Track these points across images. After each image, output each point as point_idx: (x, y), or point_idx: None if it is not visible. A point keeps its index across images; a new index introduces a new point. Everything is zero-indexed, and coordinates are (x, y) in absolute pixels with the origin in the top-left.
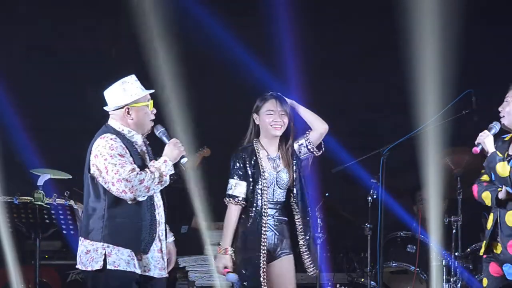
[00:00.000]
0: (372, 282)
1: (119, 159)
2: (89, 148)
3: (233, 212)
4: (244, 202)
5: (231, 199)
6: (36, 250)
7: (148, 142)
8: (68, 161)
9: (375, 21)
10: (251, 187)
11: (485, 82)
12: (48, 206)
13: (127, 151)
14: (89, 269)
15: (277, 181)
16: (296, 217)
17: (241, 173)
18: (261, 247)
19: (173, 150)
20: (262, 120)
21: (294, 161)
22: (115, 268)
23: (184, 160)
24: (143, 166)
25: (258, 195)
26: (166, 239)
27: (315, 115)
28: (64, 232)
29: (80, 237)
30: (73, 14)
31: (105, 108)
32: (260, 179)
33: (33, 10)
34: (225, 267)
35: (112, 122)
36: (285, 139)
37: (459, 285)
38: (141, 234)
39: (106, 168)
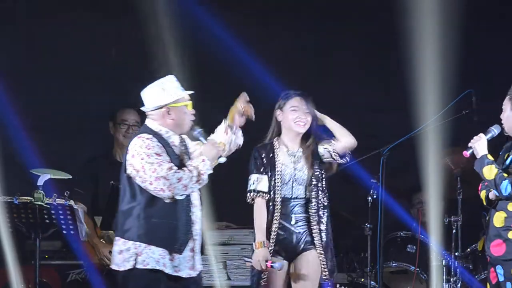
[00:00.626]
0: (372, 282)
1: (156, 158)
2: (127, 148)
3: (260, 206)
4: (268, 196)
5: (255, 194)
6: (36, 250)
7: (186, 143)
8: (68, 161)
9: (375, 21)
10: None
11: (485, 82)
12: (48, 206)
13: (164, 150)
14: (121, 269)
15: (295, 177)
16: (311, 215)
17: (261, 168)
18: (270, 242)
19: (211, 150)
20: (285, 117)
21: (316, 160)
22: (144, 267)
23: (222, 159)
24: (180, 166)
25: (272, 191)
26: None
27: (344, 129)
28: (64, 232)
29: (116, 237)
30: (73, 14)
31: (142, 108)
32: (275, 174)
33: (33, 10)
34: (267, 260)
35: (150, 122)
36: (308, 138)
37: (459, 285)
38: (176, 233)
39: (143, 167)
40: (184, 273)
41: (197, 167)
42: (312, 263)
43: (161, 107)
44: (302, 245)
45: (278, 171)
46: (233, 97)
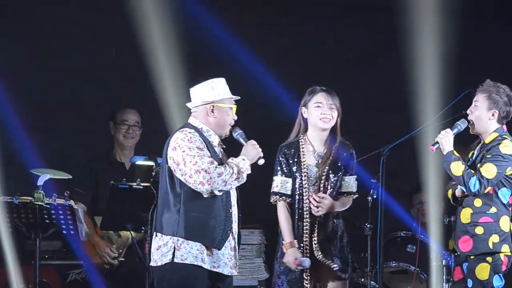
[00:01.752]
0: (372, 282)
1: (198, 152)
2: (167, 142)
3: (282, 210)
4: (291, 199)
5: (278, 197)
6: (36, 250)
7: (224, 147)
8: (68, 161)
9: (375, 21)
10: (294, 184)
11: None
12: (48, 206)
13: (205, 145)
14: (159, 264)
15: (321, 177)
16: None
17: (286, 170)
18: (301, 245)
19: (251, 150)
20: (310, 113)
21: (339, 164)
22: (182, 262)
23: (261, 161)
24: (219, 164)
25: (298, 193)
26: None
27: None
28: (64, 232)
29: (154, 233)
30: (73, 14)
31: (187, 104)
32: (301, 176)
33: (33, 10)
34: (296, 259)
35: (192, 120)
36: (334, 134)
37: None
38: (216, 229)
39: (184, 159)
40: (226, 270)
41: (237, 164)
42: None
43: (207, 104)
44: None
45: (304, 172)
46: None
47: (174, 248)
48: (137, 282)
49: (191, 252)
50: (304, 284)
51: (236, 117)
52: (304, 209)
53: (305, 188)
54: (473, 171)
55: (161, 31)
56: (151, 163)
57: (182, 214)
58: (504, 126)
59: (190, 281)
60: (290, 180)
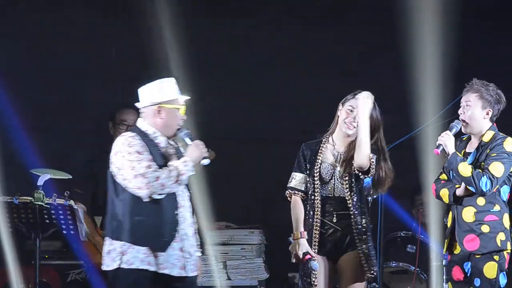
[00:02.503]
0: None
1: (136, 156)
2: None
3: (293, 204)
4: (303, 194)
5: (289, 191)
6: (36, 250)
7: (175, 145)
8: (68, 161)
9: (375, 21)
10: (308, 180)
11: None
12: (48, 206)
13: (146, 149)
14: (109, 269)
15: (336, 175)
16: (352, 213)
17: (303, 167)
18: (313, 243)
19: (195, 151)
20: (341, 114)
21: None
22: (129, 267)
23: (205, 161)
24: (164, 166)
25: (311, 189)
26: (194, 239)
27: (360, 149)
28: (64, 232)
29: (106, 238)
30: (73, 14)
31: (136, 104)
32: (313, 173)
33: (33, 10)
34: (307, 254)
35: (140, 121)
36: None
37: None
38: (160, 232)
39: (124, 165)
40: (174, 271)
41: (177, 167)
42: (347, 266)
43: (154, 105)
44: (347, 245)
45: (316, 169)
46: (231, 96)
47: (121, 253)
48: None
49: (138, 256)
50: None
51: (185, 117)
52: (315, 205)
53: (317, 185)
54: (480, 170)
55: (161, 31)
56: None
57: (126, 218)
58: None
59: (138, 286)
60: (302, 175)
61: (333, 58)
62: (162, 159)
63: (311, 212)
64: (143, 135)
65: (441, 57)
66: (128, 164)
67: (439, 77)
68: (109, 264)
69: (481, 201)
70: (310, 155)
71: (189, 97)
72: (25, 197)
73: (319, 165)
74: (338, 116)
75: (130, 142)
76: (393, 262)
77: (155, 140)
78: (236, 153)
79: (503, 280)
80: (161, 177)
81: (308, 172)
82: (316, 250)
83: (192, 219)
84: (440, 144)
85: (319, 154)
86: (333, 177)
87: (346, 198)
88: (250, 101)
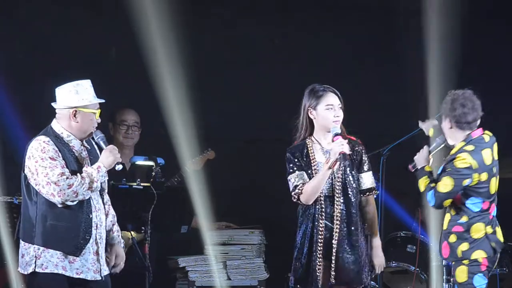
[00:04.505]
0: (372, 282)
1: (50, 162)
2: (25, 149)
3: (305, 188)
4: None
5: (301, 186)
6: None
7: (89, 148)
8: None
9: (376, 21)
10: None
11: (485, 81)
12: None
13: (59, 154)
14: (25, 272)
15: (333, 174)
16: (349, 213)
17: (298, 164)
18: (318, 245)
19: (108, 156)
20: (321, 116)
21: (352, 160)
22: (43, 271)
23: (119, 166)
24: (78, 171)
25: None
26: (105, 242)
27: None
28: None
29: (20, 240)
30: (73, 14)
31: (53, 104)
32: (312, 173)
33: (33, 10)
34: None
35: (54, 123)
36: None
37: None
38: (73, 236)
39: (37, 170)
40: (89, 275)
41: (90, 174)
42: (342, 265)
43: (70, 108)
44: (343, 245)
45: (315, 169)
46: (231, 96)
47: (35, 257)
48: (137, 282)
49: (51, 261)
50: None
51: (99, 120)
52: (319, 209)
53: None
54: (433, 184)
55: (161, 31)
56: (151, 163)
57: (39, 222)
58: (477, 131)
59: None
60: (304, 172)
61: (332, 57)
62: (75, 164)
63: (314, 214)
64: (57, 139)
65: (441, 56)
66: (41, 170)
67: (440, 77)
68: (24, 267)
69: (453, 211)
70: (301, 157)
71: (103, 100)
72: None
73: (315, 165)
74: (313, 118)
75: (44, 147)
76: (393, 262)
77: (70, 143)
78: (236, 153)
79: (480, 282)
80: (74, 184)
81: (306, 171)
82: (320, 255)
83: (107, 222)
84: (414, 161)
85: (311, 155)
86: (330, 177)
87: (344, 197)
88: (250, 101)
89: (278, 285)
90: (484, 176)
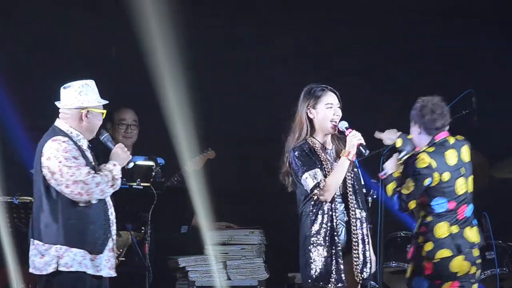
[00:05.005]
0: (372, 282)
1: (74, 162)
2: (38, 149)
3: (325, 184)
4: None
5: (320, 186)
6: None
7: (91, 146)
8: None
9: (375, 21)
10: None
11: (485, 81)
12: None
13: (80, 153)
14: (44, 273)
15: None
16: (351, 211)
17: (311, 163)
18: (339, 242)
19: (120, 154)
20: (320, 115)
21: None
22: (68, 270)
23: (130, 164)
24: (92, 169)
25: None
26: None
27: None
28: None
29: (31, 240)
30: (73, 14)
31: (58, 104)
32: (324, 171)
33: (33, 10)
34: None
35: (61, 123)
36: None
37: None
38: (96, 235)
39: (61, 170)
40: (104, 272)
41: (111, 171)
42: (367, 260)
43: (82, 108)
44: (359, 241)
45: (325, 167)
46: (231, 96)
47: (58, 257)
48: (137, 282)
49: (76, 259)
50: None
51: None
52: (334, 207)
53: None
54: (398, 189)
55: (161, 31)
56: (151, 163)
57: (61, 222)
58: (441, 134)
59: None
60: (319, 169)
61: (332, 57)
62: (90, 164)
63: (331, 213)
64: (70, 139)
65: (441, 56)
66: (66, 170)
67: (439, 77)
68: (42, 268)
69: (419, 212)
70: (310, 154)
71: (107, 102)
72: (25, 197)
73: (326, 164)
74: (313, 118)
75: (66, 147)
76: (393, 262)
77: (78, 143)
78: (236, 153)
79: (420, 284)
80: (101, 182)
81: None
82: (341, 252)
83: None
84: (384, 168)
85: (319, 154)
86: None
87: (348, 195)
88: (250, 101)
89: (278, 285)
90: (446, 176)
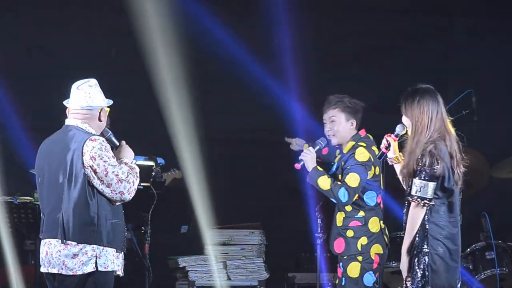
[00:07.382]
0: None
1: (115, 161)
2: (74, 150)
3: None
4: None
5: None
6: (36, 250)
7: None
8: None
9: (376, 21)
10: None
11: (485, 81)
12: None
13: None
14: (78, 273)
15: None
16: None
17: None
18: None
19: (128, 151)
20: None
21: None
22: (105, 270)
23: (133, 161)
24: None
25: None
26: None
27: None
28: None
29: (61, 241)
30: (73, 14)
31: (68, 104)
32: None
33: (33, 10)
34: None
35: (80, 122)
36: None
37: (459, 285)
38: (123, 233)
39: (106, 169)
40: (121, 272)
41: (134, 168)
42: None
43: (100, 108)
44: None
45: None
46: (231, 96)
47: (96, 256)
48: (137, 282)
49: (109, 259)
50: None
51: None
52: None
53: None
54: (339, 183)
55: (161, 31)
56: (151, 163)
57: (101, 222)
58: (363, 131)
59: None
60: None
61: (332, 57)
62: None
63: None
64: None
65: (441, 57)
66: (111, 169)
67: (439, 77)
68: (76, 268)
69: (348, 207)
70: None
71: (112, 101)
72: (25, 197)
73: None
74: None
75: (106, 146)
76: (393, 262)
77: None
78: (236, 153)
79: (369, 279)
80: (135, 182)
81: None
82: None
83: None
84: (301, 160)
85: None
86: None
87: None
88: (250, 101)
89: (278, 285)
90: (377, 170)
